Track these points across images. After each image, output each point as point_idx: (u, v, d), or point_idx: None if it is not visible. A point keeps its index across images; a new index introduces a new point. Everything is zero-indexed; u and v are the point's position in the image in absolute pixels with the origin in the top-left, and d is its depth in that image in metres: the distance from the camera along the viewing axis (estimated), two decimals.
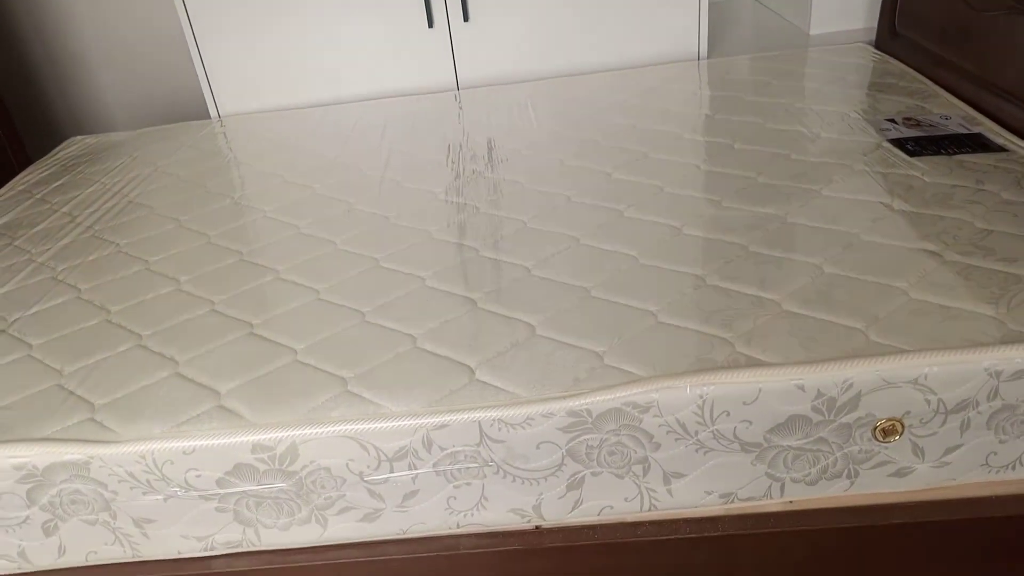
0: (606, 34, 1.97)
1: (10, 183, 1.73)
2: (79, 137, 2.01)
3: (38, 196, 1.64)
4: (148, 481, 0.89)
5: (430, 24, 1.93)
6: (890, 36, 1.84)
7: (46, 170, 1.79)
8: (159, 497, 0.90)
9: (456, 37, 1.96)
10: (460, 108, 1.86)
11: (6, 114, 2.11)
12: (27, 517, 0.92)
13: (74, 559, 0.96)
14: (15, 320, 1.17)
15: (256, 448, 0.88)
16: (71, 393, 0.98)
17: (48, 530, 0.93)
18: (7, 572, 0.97)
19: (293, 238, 1.33)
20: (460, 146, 1.63)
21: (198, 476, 0.89)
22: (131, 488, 0.90)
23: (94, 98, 2.48)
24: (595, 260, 1.14)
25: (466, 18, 1.93)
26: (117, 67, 2.44)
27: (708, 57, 2.02)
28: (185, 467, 0.89)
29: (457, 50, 1.97)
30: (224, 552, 0.95)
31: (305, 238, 1.33)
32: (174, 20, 2.35)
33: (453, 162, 1.56)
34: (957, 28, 1.56)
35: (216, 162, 1.72)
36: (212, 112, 2.03)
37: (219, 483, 0.89)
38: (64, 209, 1.56)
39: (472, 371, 0.94)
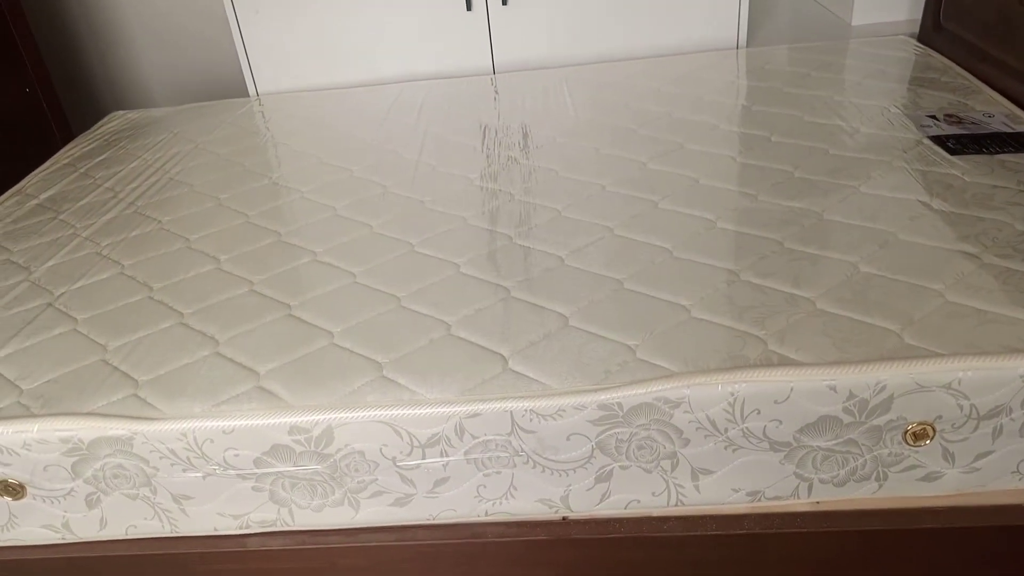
0: (644, 20, 1.95)
1: (54, 157, 1.77)
2: (120, 112, 2.04)
3: (82, 170, 1.67)
4: (188, 458, 0.92)
5: (468, 7, 1.93)
6: (933, 29, 1.80)
7: (89, 144, 1.82)
8: (198, 475, 0.93)
9: (494, 21, 1.96)
10: (496, 92, 1.86)
11: (51, 87, 2.15)
12: (71, 489, 0.96)
13: (115, 532, 0.99)
14: (61, 294, 1.21)
15: (293, 430, 0.91)
16: (115, 369, 1.01)
17: (91, 503, 0.96)
18: (51, 542, 1.00)
19: (330, 220, 1.35)
20: (495, 131, 1.63)
21: (236, 455, 0.91)
22: (171, 465, 0.93)
23: (136, 73, 2.51)
24: (628, 251, 1.15)
25: (504, 1, 1.93)
26: (159, 43, 2.47)
27: (747, 46, 2.00)
28: (224, 446, 0.92)
29: (494, 34, 1.97)
30: (259, 531, 0.98)
31: (342, 220, 1.35)
32: None
33: (488, 147, 1.56)
34: (1002, 23, 1.52)
35: (254, 141, 1.74)
36: (251, 90, 2.05)
37: (256, 463, 0.92)
38: (107, 184, 1.59)
39: (505, 360, 0.95)
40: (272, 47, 1.99)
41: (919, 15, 2.00)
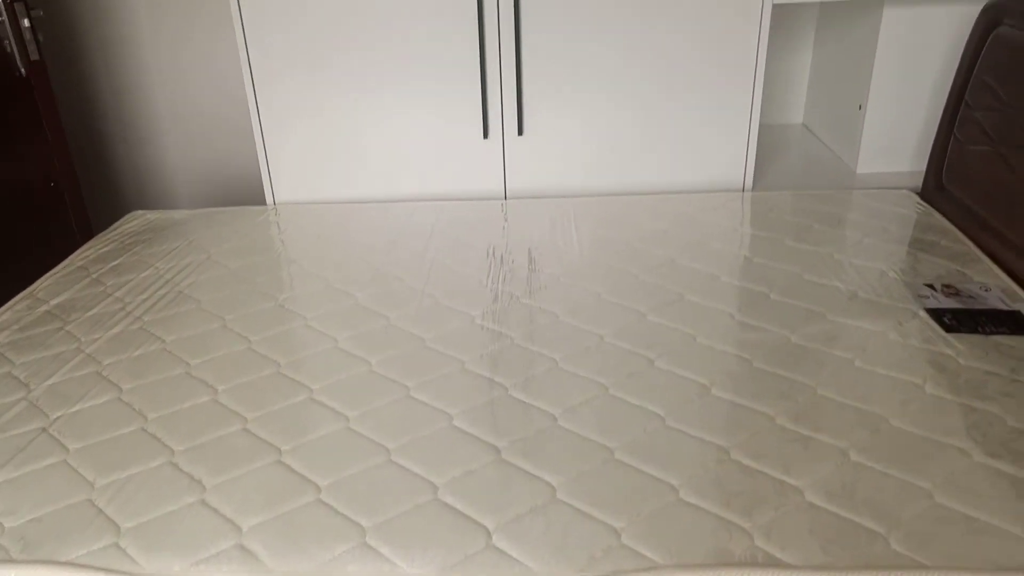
0: (654, 157, 2.02)
1: (70, 258, 1.81)
2: (140, 212, 2.09)
3: (94, 276, 1.71)
4: None
5: (485, 135, 2.00)
6: (936, 188, 1.85)
7: (105, 246, 1.87)
8: None
9: (508, 149, 2.02)
10: (505, 220, 1.90)
11: (75, 183, 2.21)
12: None
13: None
14: (57, 418, 1.22)
15: None
16: (100, 511, 1.01)
17: None
18: None
19: (330, 352, 1.37)
20: (501, 263, 1.67)
21: None
22: None
23: (161, 168, 2.59)
24: (622, 415, 1.15)
25: (520, 132, 2.00)
26: (185, 141, 2.55)
27: (753, 186, 2.05)
28: None
29: (508, 162, 2.03)
30: None
31: (342, 354, 1.36)
32: (244, 104, 2.46)
33: (492, 283, 1.59)
34: (1003, 196, 1.56)
35: (267, 256, 1.78)
36: (269, 198, 2.11)
37: None
38: (117, 294, 1.62)
39: (489, 535, 0.95)
40: (293, 158, 2.06)
41: (923, 167, 2.06)
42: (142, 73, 2.49)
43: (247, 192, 2.53)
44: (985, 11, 1.72)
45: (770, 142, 2.39)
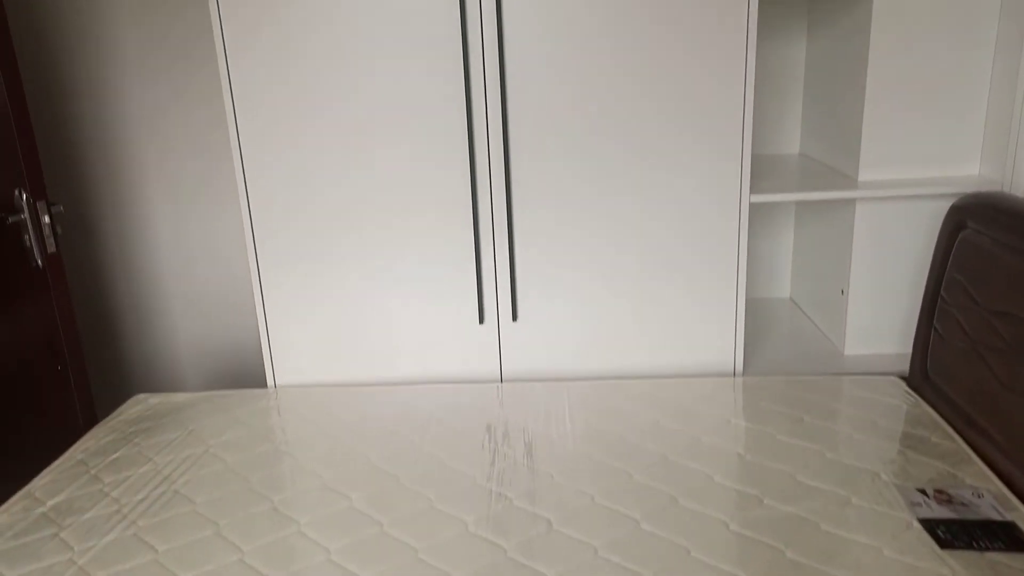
0: (645, 341, 2.07)
1: (71, 450, 1.83)
2: (144, 395, 2.13)
3: (93, 472, 1.72)
4: None
5: (481, 321, 2.07)
6: (922, 377, 1.89)
7: (106, 436, 1.89)
8: None
9: (504, 334, 2.08)
10: (501, 406, 1.93)
11: (83, 370, 2.27)
12: None
13: None
14: None
15: None
16: None
17: None
18: None
19: (322, 567, 1.36)
20: (495, 455, 1.68)
21: None
22: None
23: (167, 346, 2.65)
24: None
25: (515, 318, 2.06)
26: (192, 320, 2.63)
27: (745, 365, 2.10)
28: None
29: (504, 346, 2.09)
30: None
31: (333, 568, 1.35)
32: (248, 287, 2.56)
33: (487, 480, 1.60)
34: (985, 396, 1.60)
35: (265, 447, 1.79)
36: (270, 380, 2.15)
37: None
38: (114, 493, 1.63)
39: None
40: (294, 341, 2.12)
41: (909, 349, 2.11)
42: (153, 260, 2.60)
43: (251, 368, 2.58)
44: (952, 211, 1.82)
45: (760, 317, 2.46)
